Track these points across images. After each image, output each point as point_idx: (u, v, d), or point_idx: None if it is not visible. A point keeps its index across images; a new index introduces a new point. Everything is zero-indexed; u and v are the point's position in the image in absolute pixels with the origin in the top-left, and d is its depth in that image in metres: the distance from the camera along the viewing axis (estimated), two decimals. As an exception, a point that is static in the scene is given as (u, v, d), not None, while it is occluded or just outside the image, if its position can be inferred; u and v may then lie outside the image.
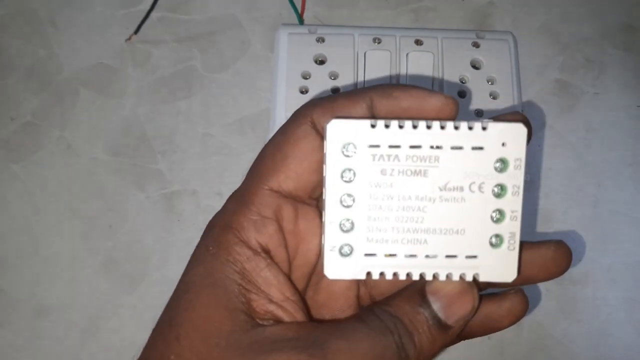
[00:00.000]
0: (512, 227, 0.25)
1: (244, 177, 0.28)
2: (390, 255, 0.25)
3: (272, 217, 0.26)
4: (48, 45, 0.46)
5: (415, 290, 0.26)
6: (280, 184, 0.26)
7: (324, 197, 0.26)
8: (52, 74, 0.46)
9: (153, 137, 0.45)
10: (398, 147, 0.25)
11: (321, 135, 0.26)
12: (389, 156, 0.25)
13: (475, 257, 0.25)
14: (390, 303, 0.26)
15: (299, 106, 0.41)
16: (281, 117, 0.43)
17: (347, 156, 0.25)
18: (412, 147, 0.25)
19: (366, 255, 0.25)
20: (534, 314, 0.43)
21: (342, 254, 0.25)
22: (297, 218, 0.27)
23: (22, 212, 0.44)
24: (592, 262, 0.44)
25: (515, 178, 0.25)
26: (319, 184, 0.27)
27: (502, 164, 0.25)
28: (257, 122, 0.45)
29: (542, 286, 0.43)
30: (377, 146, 0.25)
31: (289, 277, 0.27)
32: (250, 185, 0.27)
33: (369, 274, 0.25)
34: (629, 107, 0.46)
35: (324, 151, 0.25)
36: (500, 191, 0.25)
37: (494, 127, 0.24)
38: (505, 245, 0.25)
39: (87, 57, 0.46)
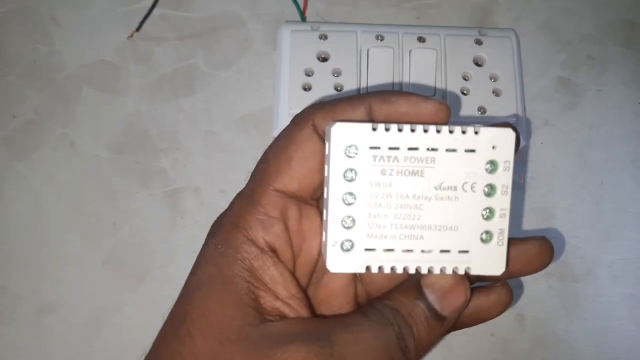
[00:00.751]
0: (501, 224, 0.28)
1: (248, 175, 0.31)
2: (389, 250, 0.28)
3: (279, 216, 0.29)
4: (50, 42, 0.48)
5: (412, 284, 0.29)
6: (285, 184, 0.29)
7: (325, 195, 0.28)
8: (54, 71, 0.48)
9: (156, 135, 0.47)
10: (397, 148, 0.27)
11: (322, 139, 0.29)
12: (388, 157, 0.27)
13: (467, 252, 0.28)
14: (389, 297, 0.29)
15: (302, 103, 0.45)
16: (284, 114, 0.45)
17: (350, 157, 0.27)
18: (410, 149, 0.27)
19: (366, 250, 0.28)
20: (536, 311, 0.45)
21: (343, 249, 0.28)
22: (301, 218, 0.30)
23: (25, 210, 0.46)
24: (594, 259, 0.46)
25: (504, 178, 0.28)
26: (321, 184, 0.29)
27: (492, 166, 0.28)
28: (260, 120, 0.47)
29: (545, 283, 0.45)
30: (378, 148, 0.27)
31: (293, 274, 0.29)
32: (257, 186, 0.29)
33: (368, 268, 0.28)
34: (631, 104, 0.48)
35: (327, 152, 0.28)
36: (490, 190, 0.28)
37: (485, 131, 0.28)
38: (494, 240, 0.28)
39: (89, 54, 0.48)
